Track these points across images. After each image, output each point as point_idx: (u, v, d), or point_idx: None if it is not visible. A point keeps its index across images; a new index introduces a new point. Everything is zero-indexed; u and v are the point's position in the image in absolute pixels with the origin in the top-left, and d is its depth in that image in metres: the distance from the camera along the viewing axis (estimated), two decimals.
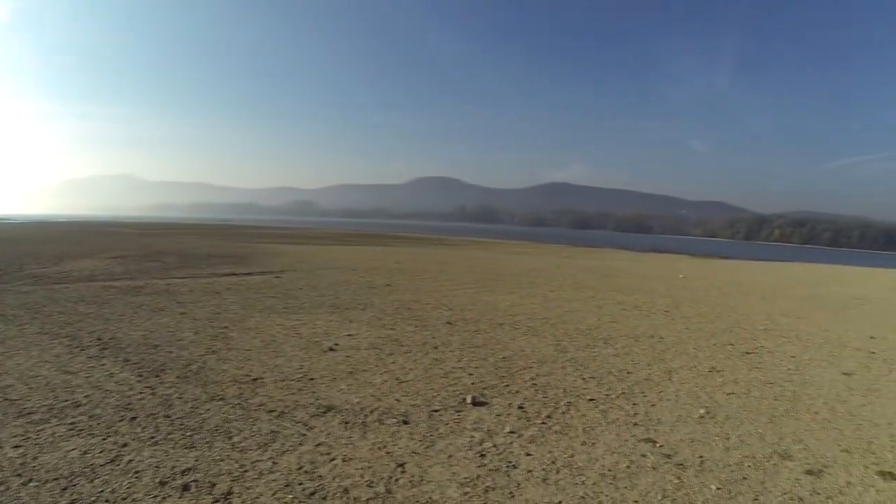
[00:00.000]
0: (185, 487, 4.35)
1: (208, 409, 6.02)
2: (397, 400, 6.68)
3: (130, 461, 4.75)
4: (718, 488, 5.11)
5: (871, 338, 13.83)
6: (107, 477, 4.46)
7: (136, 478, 4.47)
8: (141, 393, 6.47)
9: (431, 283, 17.84)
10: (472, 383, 7.51)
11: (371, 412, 6.21)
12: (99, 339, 8.84)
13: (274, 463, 4.87)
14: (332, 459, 4.97)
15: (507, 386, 7.51)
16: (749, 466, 5.67)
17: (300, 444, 5.23)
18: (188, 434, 5.35)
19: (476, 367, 8.28)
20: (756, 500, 4.99)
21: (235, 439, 5.25)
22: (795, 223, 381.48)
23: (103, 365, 7.48)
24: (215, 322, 10.43)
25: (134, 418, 5.67)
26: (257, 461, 4.88)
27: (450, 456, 5.23)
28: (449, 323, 11.42)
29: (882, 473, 5.89)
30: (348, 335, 9.84)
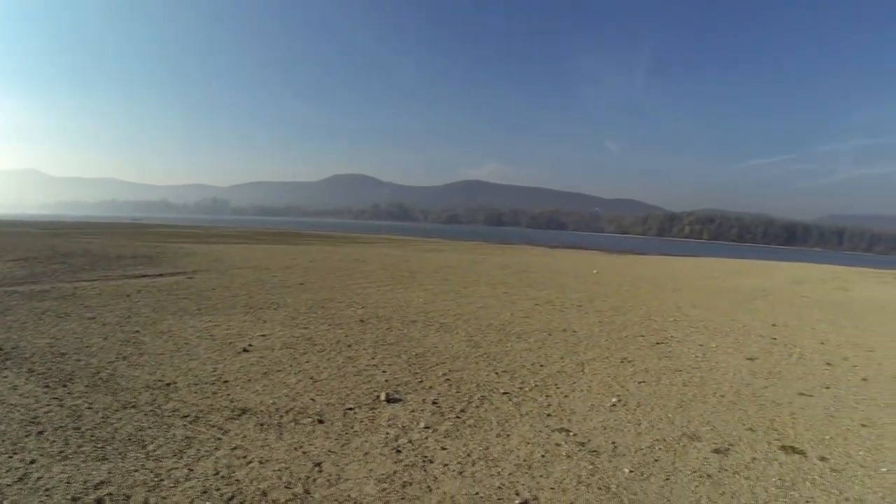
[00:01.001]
0: (99, 502, 4.24)
1: (120, 418, 5.84)
2: (312, 399, 6.67)
3: (39, 478, 4.57)
4: (631, 471, 5.31)
5: (773, 325, 14.51)
6: (15, 497, 4.28)
7: (47, 496, 4.31)
8: (48, 405, 6.20)
9: (345, 282, 17.75)
10: (386, 380, 7.54)
11: (286, 413, 6.19)
12: (0, 349, 8.53)
13: (190, 470, 4.78)
14: (249, 462, 4.93)
15: (421, 382, 7.58)
16: (660, 449, 5.92)
17: (216, 449, 5.16)
18: (100, 445, 5.18)
19: (389, 365, 8.31)
20: (667, 479, 5.22)
21: (149, 448, 5.13)
22: (705, 220, 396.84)
23: (6, 377, 7.10)
24: (126, 326, 10.10)
25: (41, 432, 5.44)
26: (173, 469, 4.78)
27: (366, 453, 5.27)
28: (362, 321, 11.38)
29: (784, 448, 6.29)
30: (262, 335, 9.73)
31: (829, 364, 10.77)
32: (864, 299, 24.31)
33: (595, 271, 29.01)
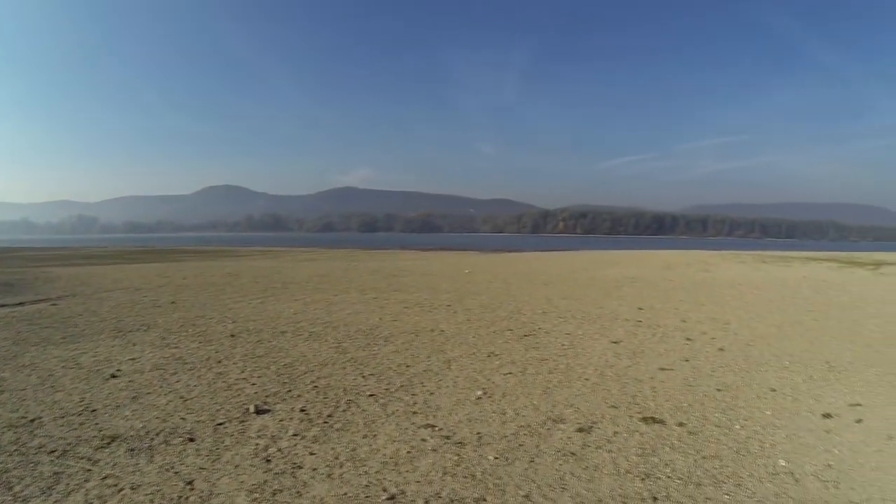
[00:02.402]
0: None
1: None
2: (182, 418, 6.63)
3: None
4: (496, 458, 5.56)
5: (640, 309, 15.25)
6: None
7: None
8: None
9: (217, 297, 17.47)
10: (255, 392, 7.57)
11: (157, 435, 6.13)
12: None
13: None
14: (121, 490, 4.89)
15: (290, 391, 7.66)
16: (525, 434, 6.21)
17: (86, 481, 5.07)
18: None
19: (259, 377, 8.34)
20: (532, 462, 5.50)
21: (16, 489, 4.97)
22: (577, 215, 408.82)
23: None
24: None
25: None
26: None
27: (236, 466, 5.32)
28: (233, 335, 11.33)
29: (645, 419, 6.76)
30: (131, 359, 9.52)
31: (688, 339, 11.50)
32: (723, 279, 26.03)
33: (467, 271, 29.47)
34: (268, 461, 5.42)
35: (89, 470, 5.33)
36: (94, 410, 7.01)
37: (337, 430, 6.27)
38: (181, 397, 7.46)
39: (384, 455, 5.58)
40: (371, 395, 7.54)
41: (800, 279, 27.03)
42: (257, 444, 5.82)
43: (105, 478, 5.15)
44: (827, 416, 7.28)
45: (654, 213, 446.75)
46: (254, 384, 7.97)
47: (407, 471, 5.24)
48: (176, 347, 10.40)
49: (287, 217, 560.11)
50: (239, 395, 7.50)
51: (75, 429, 6.42)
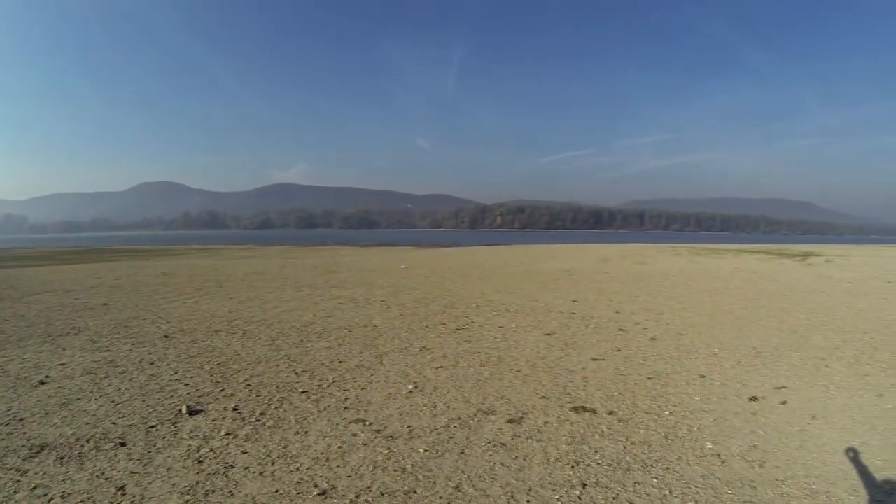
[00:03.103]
0: None
1: None
2: (113, 423, 6.54)
3: None
4: (426, 450, 5.66)
5: (574, 301, 15.56)
6: None
7: None
8: None
9: (151, 298, 17.16)
10: (188, 393, 7.50)
11: (87, 441, 6.04)
12: None
13: None
14: (51, 500, 4.82)
15: (222, 391, 7.62)
16: (455, 427, 6.32)
17: (15, 493, 4.98)
18: None
19: (192, 377, 8.26)
20: (462, 453, 5.60)
21: None
22: (515, 210, 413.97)
23: None
24: None
25: None
26: None
27: (168, 468, 5.29)
28: (166, 336, 11.16)
29: (576, 409, 6.92)
30: (61, 364, 9.30)
31: (621, 330, 11.79)
32: (658, 271, 26.68)
33: (403, 266, 29.55)
34: (200, 462, 5.41)
35: (18, 481, 5.23)
36: (21, 419, 6.84)
37: (269, 427, 6.29)
38: (112, 401, 7.34)
39: (315, 451, 5.64)
40: (303, 392, 7.56)
41: (732, 270, 27.94)
42: (189, 446, 5.79)
43: (34, 488, 5.07)
44: (753, 399, 7.58)
45: (592, 208, 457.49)
46: (187, 385, 7.90)
47: (338, 466, 5.30)
48: (107, 350, 10.21)
49: (224, 214, 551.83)
50: (172, 396, 7.42)
51: (2, 439, 6.27)
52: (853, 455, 5.91)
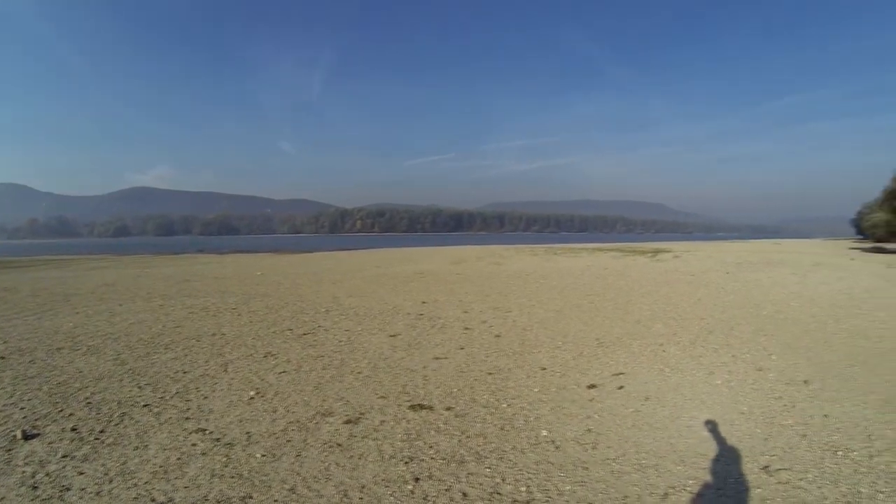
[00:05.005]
0: None
1: None
2: None
3: None
4: (263, 455, 5.79)
5: (423, 303, 15.91)
6: None
7: None
8: None
9: None
10: (24, 417, 7.22)
11: None
12: None
13: None
14: None
15: (61, 411, 7.39)
16: (293, 430, 6.49)
17: None
18: None
19: (29, 400, 7.94)
20: (298, 455, 5.78)
21: None
22: (375, 214, 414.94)
23: None
24: None
25: None
26: None
27: (2, 498, 5.16)
28: (2, 357, 10.56)
29: (413, 407, 7.18)
30: None
31: (467, 329, 12.18)
32: (512, 271, 27.51)
33: (259, 273, 29.32)
34: (35, 488, 5.27)
35: None
36: None
37: (108, 445, 6.20)
38: None
39: (154, 465, 5.64)
40: (145, 406, 7.48)
41: (584, 268, 29.14)
42: (24, 472, 5.61)
43: None
44: (591, 386, 8.10)
45: (453, 211, 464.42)
46: (23, 408, 7.58)
47: (176, 478, 5.34)
48: None
49: (76, 221, 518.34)
50: (6, 421, 7.11)
51: None
52: (683, 429, 6.47)
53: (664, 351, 10.24)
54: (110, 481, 5.34)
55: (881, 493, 5.00)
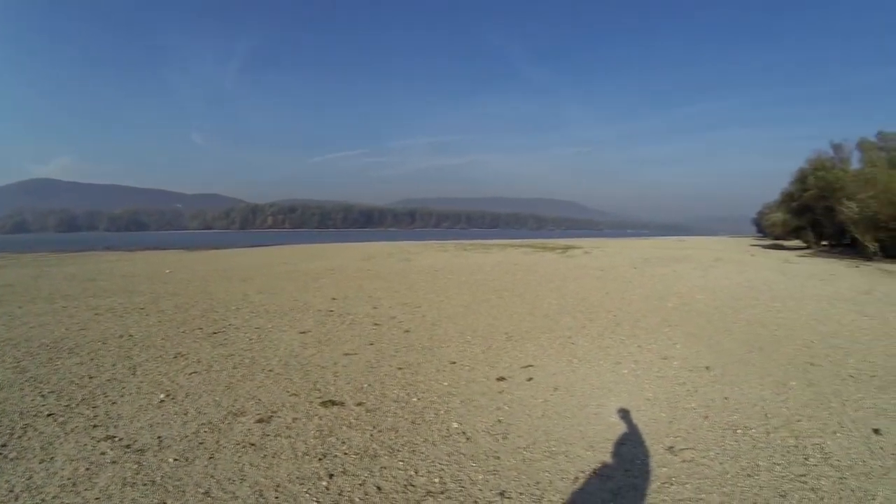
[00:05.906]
0: None
1: None
2: None
3: None
4: (176, 459, 5.71)
5: (333, 299, 15.93)
6: None
7: None
8: None
9: None
10: None
11: None
12: None
13: None
14: None
15: None
16: (205, 432, 6.42)
17: None
18: None
19: None
20: (212, 458, 5.72)
21: None
22: (287, 210, 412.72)
23: None
24: None
25: None
26: None
27: None
28: None
29: (324, 403, 7.26)
30: None
31: (376, 324, 12.28)
32: (421, 267, 27.79)
33: (168, 271, 28.58)
34: None
35: None
36: None
37: (11, 460, 5.95)
38: None
39: (62, 477, 5.47)
40: (50, 415, 7.20)
41: (495, 264, 29.60)
42: None
43: None
44: (501, 379, 8.26)
45: (364, 207, 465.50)
46: None
47: (86, 489, 5.20)
48: None
49: None
50: None
51: None
52: (591, 417, 6.68)
53: (573, 343, 10.52)
54: (16, 498, 5.15)
55: (777, 465, 5.39)
